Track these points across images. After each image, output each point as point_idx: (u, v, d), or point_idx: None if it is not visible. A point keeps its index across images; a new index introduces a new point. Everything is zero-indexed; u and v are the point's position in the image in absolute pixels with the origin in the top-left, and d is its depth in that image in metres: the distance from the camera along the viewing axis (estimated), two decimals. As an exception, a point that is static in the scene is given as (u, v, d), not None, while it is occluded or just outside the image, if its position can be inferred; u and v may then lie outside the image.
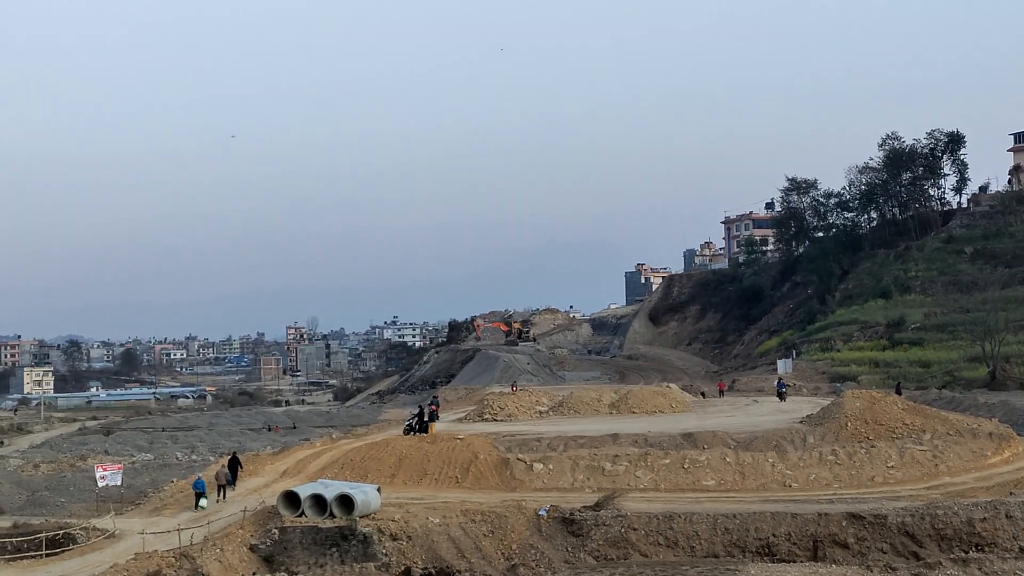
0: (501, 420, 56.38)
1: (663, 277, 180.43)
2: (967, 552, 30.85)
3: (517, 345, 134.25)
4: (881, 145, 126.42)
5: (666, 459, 40.17)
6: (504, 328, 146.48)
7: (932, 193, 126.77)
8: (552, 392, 68.13)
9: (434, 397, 67.15)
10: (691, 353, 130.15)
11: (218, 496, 39.02)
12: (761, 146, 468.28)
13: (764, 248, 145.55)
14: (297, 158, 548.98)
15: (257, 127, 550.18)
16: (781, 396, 63.15)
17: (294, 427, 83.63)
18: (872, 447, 40.62)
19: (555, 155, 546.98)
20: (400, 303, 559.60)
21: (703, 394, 73.84)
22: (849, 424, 42.54)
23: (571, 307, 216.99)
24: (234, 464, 41.45)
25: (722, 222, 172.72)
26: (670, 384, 70.57)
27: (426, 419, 48.93)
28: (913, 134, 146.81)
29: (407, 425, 49.71)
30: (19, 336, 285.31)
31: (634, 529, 33.41)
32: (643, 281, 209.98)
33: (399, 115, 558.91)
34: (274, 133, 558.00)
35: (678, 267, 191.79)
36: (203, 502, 37.68)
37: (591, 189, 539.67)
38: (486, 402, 60.44)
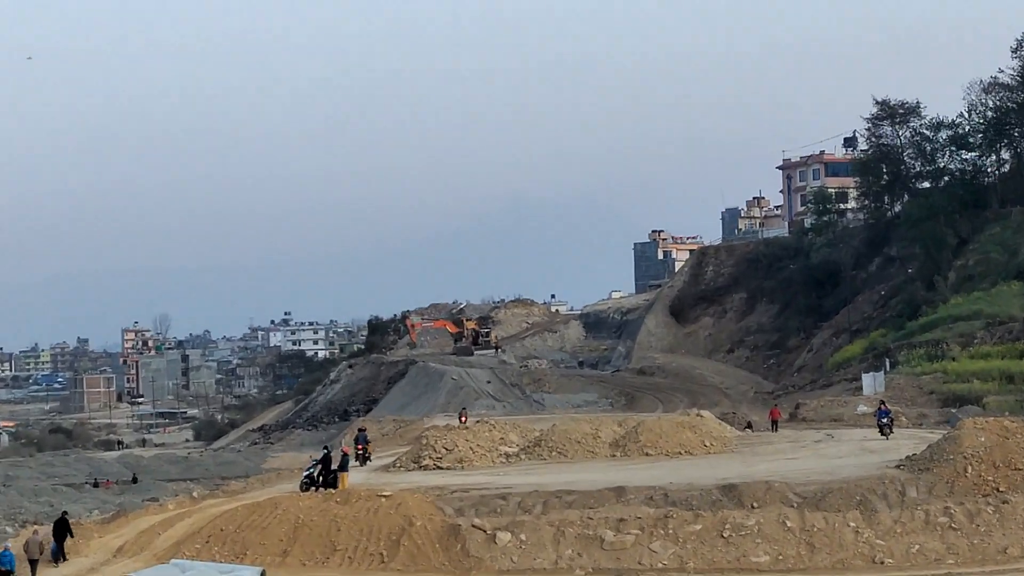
0: (449, 468, 58.00)
1: (691, 251, 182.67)
2: None
3: (472, 354, 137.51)
4: (1016, 51, 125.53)
5: (696, 524, 40.86)
6: (452, 329, 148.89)
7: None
8: (525, 425, 69.46)
9: (361, 432, 69.39)
10: (733, 365, 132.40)
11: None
12: (837, 51, 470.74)
13: (842, 206, 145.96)
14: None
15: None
16: (883, 430, 64.70)
17: (135, 481, 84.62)
18: (1004, 503, 41.20)
19: (522, 72, 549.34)
20: (294, 294, 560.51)
21: (750, 426, 75.76)
22: (970, 469, 43.47)
23: (552, 297, 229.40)
24: (62, 529, 42.43)
25: (779, 168, 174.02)
26: (701, 412, 72.33)
27: (335, 467, 50.49)
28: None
29: (306, 477, 51.44)
30: None
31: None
32: (660, 257, 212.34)
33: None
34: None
35: (713, 235, 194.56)
36: None
37: (580, 122, 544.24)
38: (426, 440, 61.81)
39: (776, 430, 72.99)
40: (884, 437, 62.69)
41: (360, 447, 65.30)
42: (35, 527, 46.34)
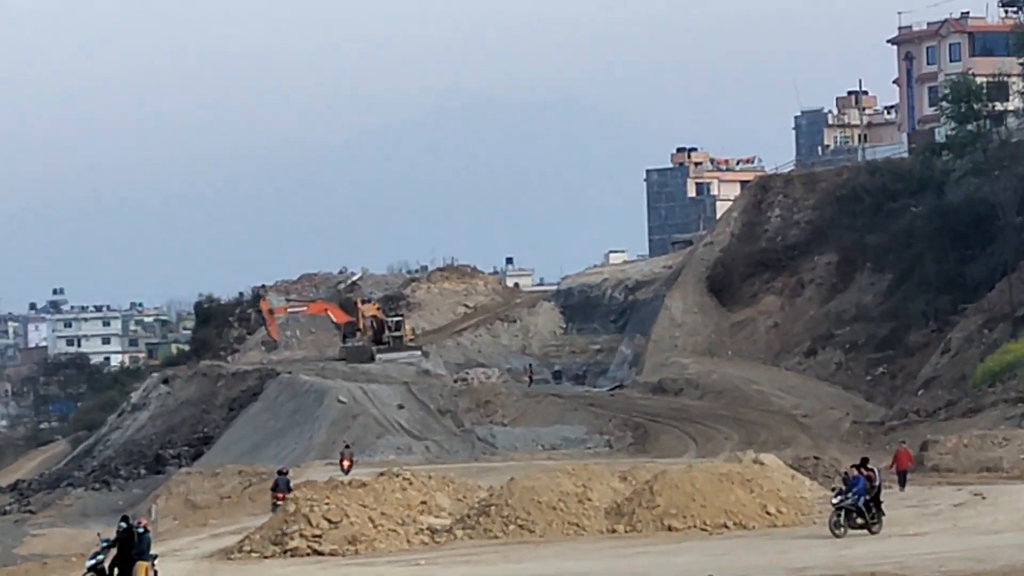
0: (333, 552, 55.43)
1: (744, 184, 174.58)
2: None
3: (373, 360, 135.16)
4: None
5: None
6: (339, 317, 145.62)
7: None
8: (464, 481, 67.56)
9: (281, 476, 72.47)
10: (815, 376, 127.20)
11: None
12: None
13: (999, 106, 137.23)
14: None
15: None
16: None
17: None
18: None
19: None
20: (70, 260, 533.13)
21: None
22: None
23: (509, 263, 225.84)
24: None
25: (893, 41, 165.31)
26: (762, 456, 71.78)
27: (136, 551, 46.24)
28: None
29: (91, 569, 46.36)
30: None
31: None
32: (693, 194, 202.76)
33: None
34: None
35: (781, 156, 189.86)
36: None
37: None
38: (295, 507, 58.42)
39: (903, 485, 71.02)
40: None
41: (280, 497, 66.12)
42: None
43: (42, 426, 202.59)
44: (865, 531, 53.64)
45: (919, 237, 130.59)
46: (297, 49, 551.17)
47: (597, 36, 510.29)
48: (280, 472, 74.55)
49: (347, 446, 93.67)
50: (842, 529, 53.61)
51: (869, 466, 56.38)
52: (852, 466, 58.06)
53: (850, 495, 54.33)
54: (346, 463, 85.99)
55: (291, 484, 68.49)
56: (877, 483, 55.47)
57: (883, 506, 55.05)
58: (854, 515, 53.91)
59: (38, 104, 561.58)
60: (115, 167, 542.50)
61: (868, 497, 54.50)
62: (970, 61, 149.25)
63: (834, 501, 55.29)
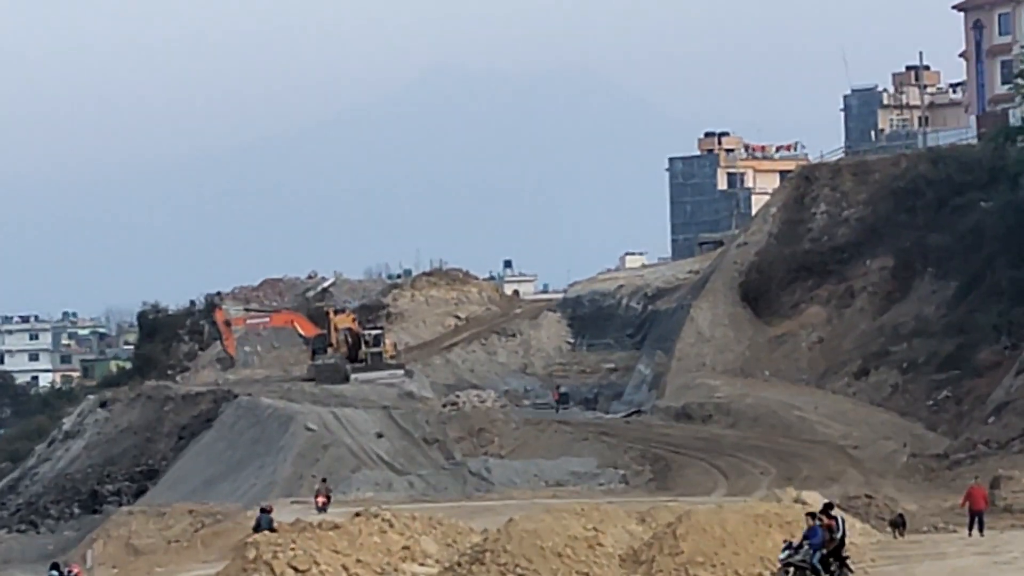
0: None
1: (784, 175, 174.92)
2: None
3: (347, 380, 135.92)
4: None
5: None
6: (307, 329, 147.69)
7: None
8: (453, 523, 68.13)
9: (264, 514, 72.60)
10: (867, 400, 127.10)
11: None
12: None
13: None
14: None
15: None
16: None
17: None
18: None
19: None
20: None
21: (897, 524, 73.99)
22: None
23: (507, 267, 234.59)
24: None
25: (958, 8, 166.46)
26: (805, 495, 73.11)
27: None
28: None
29: None
30: None
31: None
32: (723, 187, 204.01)
33: None
34: None
35: (828, 143, 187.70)
36: None
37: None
38: (256, 553, 59.66)
39: (981, 530, 69.66)
40: None
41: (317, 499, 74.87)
42: None
43: None
44: None
45: (990, 238, 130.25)
46: (259, 30, 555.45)
47: (615, 4, 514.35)
48: (263, 510, 74.40)
49: (323, 480, 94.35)
50: None
51: (832, 513, 54.53)
52: (808, 514, 56.43)
53: (801, 550, 52.84)
54: (320, 499, 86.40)
55: (274, 524, 68.51)
56: (840, 534, 53.64)
57: (933, 559, 54.57)
58: (806, 573, 52.28)
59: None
60: (47, 159, 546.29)
61: (825, 552, 52.79)
62: None
63: (781, 556, 53.91)
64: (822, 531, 52.27)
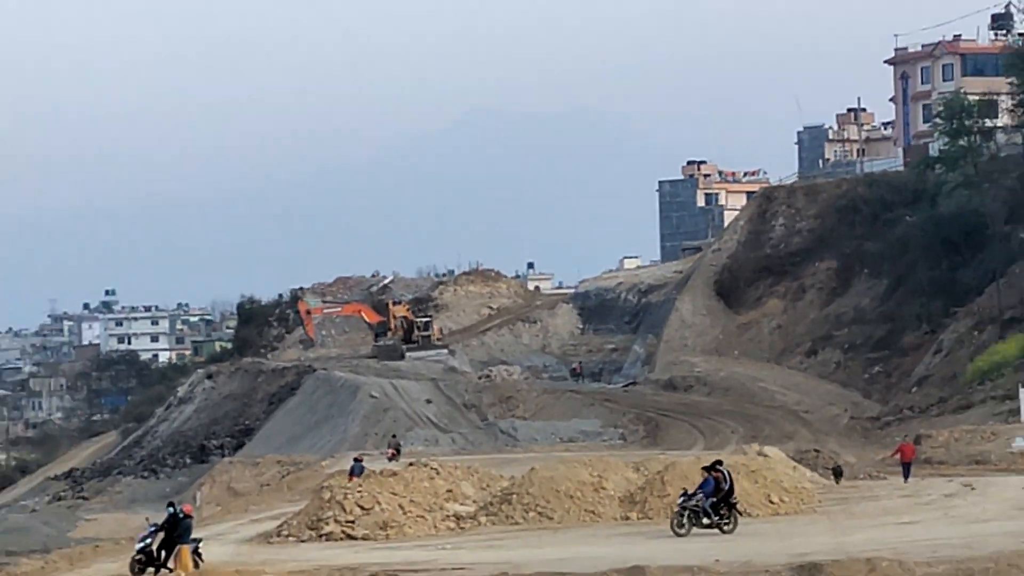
0: (365, 537, 54.98)
1: (750, 195, 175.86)
2: None
3: (403, 357, 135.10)
4: None
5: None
6: (372, 317, 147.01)
7: None
8: (486, 469, 67.34)
9: (357, 463, 70.52)
10: (816, 374, 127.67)
11: None
12: None
13: (989, 123, 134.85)
14: None
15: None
16: None
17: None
18: None
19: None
20: (121, 263, 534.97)
21: (840, 473, 73.54)
22: None
23: (530, 268, 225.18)
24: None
25: (890, 62, 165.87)
26: (766, 449, 70.13)
27: (176, 535, 47.03)
28: None
29: (140, 552, 47.63)
30: None
31: None
32: (702, 204, 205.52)
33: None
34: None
35: (785, 170, 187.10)
36: None
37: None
38: (330, 494, 58.41)
39: (907, 477, 70.65)
40: None
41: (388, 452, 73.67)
42: None
43: (94, 418, 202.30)
44: (715, 530, 52.00)
45: (913, 245, 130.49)
46: (335, 71, 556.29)
47: (613, 58, 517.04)
48: (356, 460, 74.44)
49: (393, 436, 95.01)
50: (684, 528, 52.28)
51: (720, 468, 54.47)
52: (703, 468, 56.15)
53: (695, 497, 52.72)
54: (390, 452, 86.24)
55: (365, 471, 68.22)
56: (727, 485, 53.49)
57: (867, 501, 54.50)
58: (700, 515, 52.17)
59: (99, 113, 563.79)
60: (164, 174, 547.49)
61: (716, 499, 52.59)
62: (962, 80, 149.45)
63: (678, 502, 53.55)
64: (713, 482, 52.25)
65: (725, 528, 51.71)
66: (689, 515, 51.85)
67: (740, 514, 53.43)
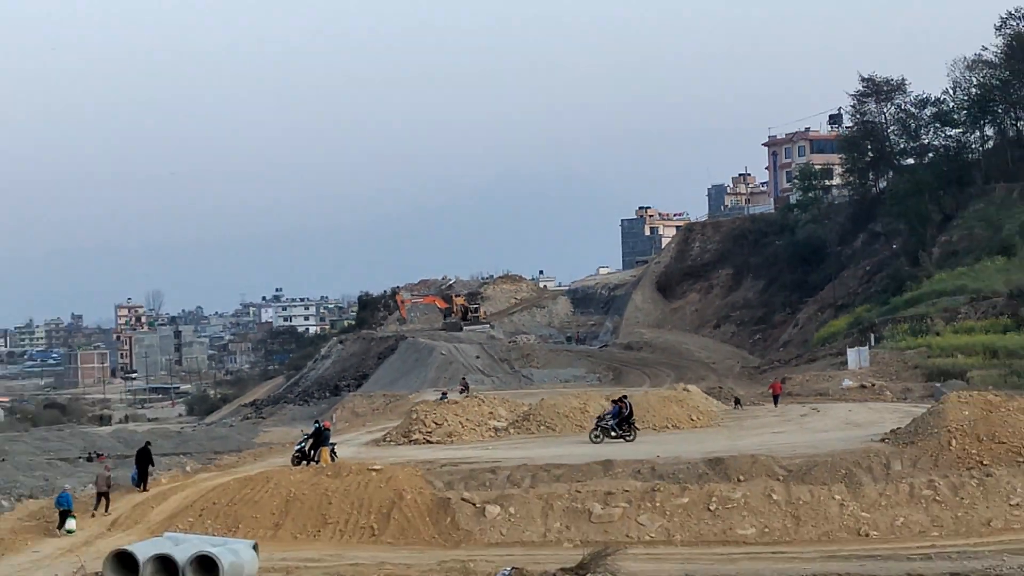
0: (438, 442, 57.78)
1: (678, 228, 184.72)
2: None
3: (461, 330, 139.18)
4: (1000, 29, 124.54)
5: (683, 497, 40.76)
6: (442, 305, 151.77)
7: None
8: (513, 399, 69.51)
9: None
10: (719, 340, 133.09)
11: (95, 508, 42.88)
12: (821, 27, 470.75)
13: (827, 183, 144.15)
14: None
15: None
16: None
17: (146, 457, 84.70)
18: (988, 476, 40.93)
19: (510, 47, 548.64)
20: (286, 270, 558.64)
21: (738, 401, 75.38)
22: (954, 443, 42.87)
23: (541, 273, 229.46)
24: (143, 457, 45.90)
25: (765, 144, 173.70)
26: (688, 387, 71.53)
27: (323, 442, 50.36)
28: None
29: (298, 451, 51.00)
30: None
31: (637, 605, 33.50)
32: (648, 233, 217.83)
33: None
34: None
35: (700, 212, 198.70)
36: (70, 524, 40.48)
37: (567, 101, 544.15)
38: (416, 415, 61.64)
39: (776, 404, 72.17)
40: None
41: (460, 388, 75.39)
42: (106, 462, 51.92)
43: (269, 368, 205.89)
44: (621, 440, 53.10)
45: (779, 259, 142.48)
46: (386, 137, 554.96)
47: (590, 133, 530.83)
48: (443, 394, 78.48)
49: (463, 378, 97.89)
50: (599, 439, 53.54)
51: (624, 399, 55.85)
52: (612, 400, 57.63)
53: (606, 418, 54.62)
54: (460, 387, 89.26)
55: (448, 400, 70.65)
56: (628, 411, 54.63)
57: (635, 424, 54.42)
58: (608, 431, 53.74)
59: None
60: (318, 198, 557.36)
61: (619, 419, 54.00)
62: (810, 156, 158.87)
63: (595, 420, 55.51)
64: (618, 408, 54.78)
65: (627, 439, 53.44)
66: (602, 430, 54.24)
67: (638, 430, 54.69)
